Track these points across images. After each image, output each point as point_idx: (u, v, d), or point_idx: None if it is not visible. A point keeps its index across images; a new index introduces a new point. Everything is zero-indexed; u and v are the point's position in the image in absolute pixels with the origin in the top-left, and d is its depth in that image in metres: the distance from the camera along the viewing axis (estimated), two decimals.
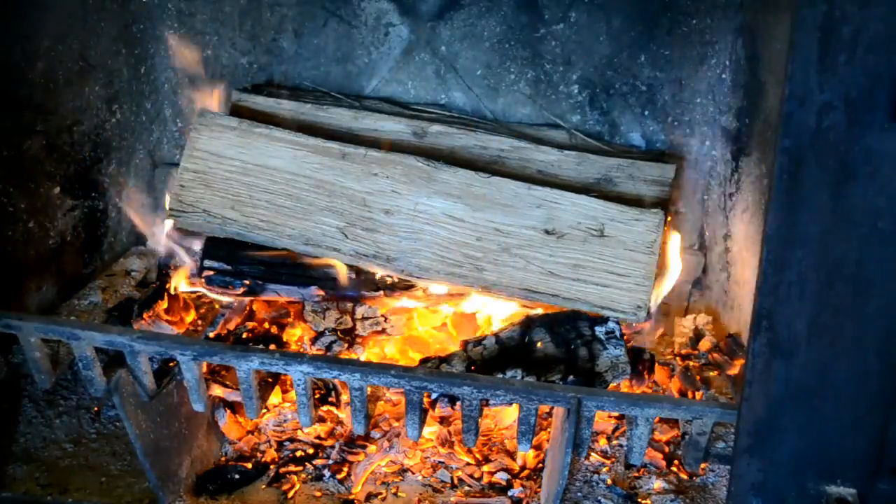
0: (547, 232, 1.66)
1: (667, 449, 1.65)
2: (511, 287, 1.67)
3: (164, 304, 1.79)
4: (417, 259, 1.70)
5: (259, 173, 1.75)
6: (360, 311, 1.78)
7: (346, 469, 1.62)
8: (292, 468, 1.62)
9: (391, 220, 1.71)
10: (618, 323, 1.65)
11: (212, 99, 1.99)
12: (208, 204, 1.74)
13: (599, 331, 1.64)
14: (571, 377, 1.54)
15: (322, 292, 1.73)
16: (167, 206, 1.78)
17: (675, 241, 1.81)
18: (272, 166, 1.74)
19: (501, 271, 1.67)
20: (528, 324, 1.66)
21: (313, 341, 1.74)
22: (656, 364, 1.69)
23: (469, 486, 1.60)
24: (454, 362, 1.57)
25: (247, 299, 1.78)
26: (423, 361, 1.60)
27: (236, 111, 1.91)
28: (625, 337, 1.65)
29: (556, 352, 1.61)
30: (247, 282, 1.73)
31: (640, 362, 1.65)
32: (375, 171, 1.72)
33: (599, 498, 1.55)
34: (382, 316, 1.77)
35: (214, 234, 1.75)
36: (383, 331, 1.79)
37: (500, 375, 1.52)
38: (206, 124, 1.77)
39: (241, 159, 1.75)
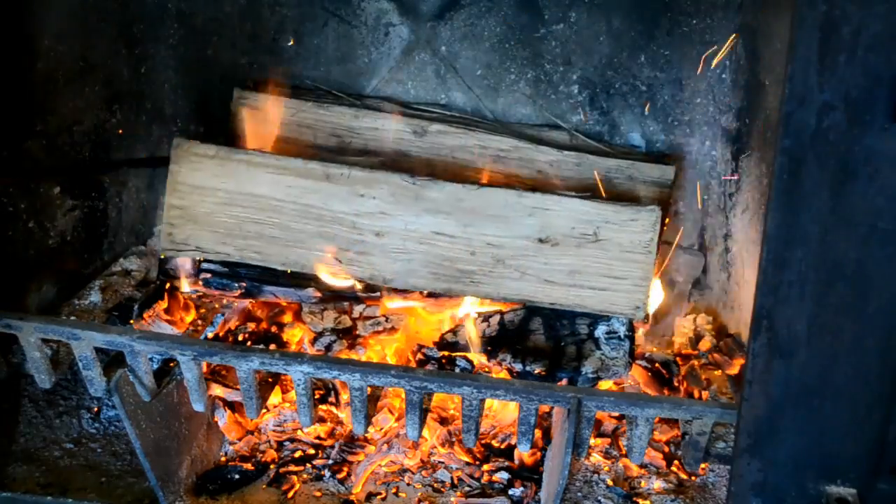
0: (541, 241, 1.64)
1: (667, 449, 1.65)
2: (508, 297, 1.67)
3: (164, 304, 1.78)
4: (413, 279, 1.69)
5: (244, 202, 1.68)
6: (358, 309, 1.78)
7: (346, 469, 1.62)
8: (292, 468, 1.62)
9: (383, 241, 1.67)
10: (625, 323, 1.63)
11: (212, 99, 1.98)
12: (200, 240, 1.70)
13: (601, 330, 1.64)
14: (559, 374, 1.55)
15: (319, 293, 1.73)
16: (160, 247, 1.74)
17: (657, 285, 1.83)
18: (257, 193, 1.68)
19: (498, 283, 1.66)
20: (532, 312, 1.68)
21: (313, 342, 1.73)
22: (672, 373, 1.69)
23: (469, 486, 1.60)
24: (460, 333, 1.67)
25: (245, 301, 1.78)
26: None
27: (237, 109, 1.91)
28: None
29: (545, 346, 1.61)
30: (243, 283, 1.73)
31: (661, 375, 1.65)
32: (361, 192, 1.66)
33: (599, 498, 1.55)
34: (383, 315, 1.76)
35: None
36: (384, 330, 1.79)
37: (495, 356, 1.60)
38: (183, 154, 1.69)
39: (225, 189, 1.68)
